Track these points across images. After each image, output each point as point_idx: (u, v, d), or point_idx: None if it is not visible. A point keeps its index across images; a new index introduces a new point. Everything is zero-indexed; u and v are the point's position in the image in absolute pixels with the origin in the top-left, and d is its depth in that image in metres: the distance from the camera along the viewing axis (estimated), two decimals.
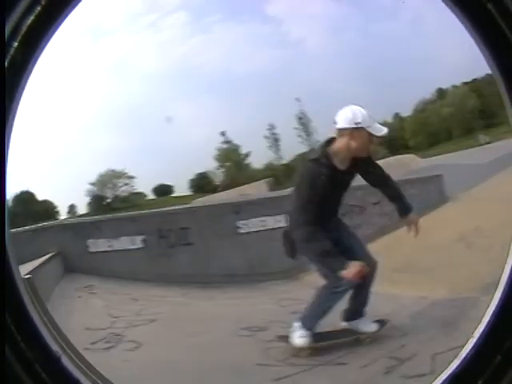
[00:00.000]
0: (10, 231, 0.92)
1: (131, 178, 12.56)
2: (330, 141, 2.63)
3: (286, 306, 3.66)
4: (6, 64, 1.00)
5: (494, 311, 0.91)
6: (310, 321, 2.71)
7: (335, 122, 2.59)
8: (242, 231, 5.09)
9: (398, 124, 12.51)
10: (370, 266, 2.64)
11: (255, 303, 3.94)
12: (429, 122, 12.38)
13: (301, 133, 12.28)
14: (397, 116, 12.72)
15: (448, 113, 12.32)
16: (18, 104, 1.09)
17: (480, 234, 4.21)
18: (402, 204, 2.80)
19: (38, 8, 0.94)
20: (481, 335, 0.92)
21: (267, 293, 4.31)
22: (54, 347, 0.92)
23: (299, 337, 2.68)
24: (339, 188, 2.68)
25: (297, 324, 2.71)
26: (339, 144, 2.59)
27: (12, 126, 1.10)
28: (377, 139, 2.62)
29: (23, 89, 1.03)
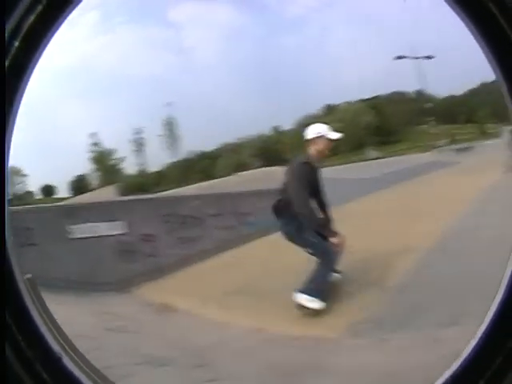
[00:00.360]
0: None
1: (24, 176, 12.45)
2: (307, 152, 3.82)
3: (105, 320, 3.29)
4: (6, 64, 1.00)
5: (495, 311, 0.90)
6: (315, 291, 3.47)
7: (306, 136, 3.84)
8: (74, 236, 4.77)
9: (276, 137, 12.24)
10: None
11: (74, 313, 3.35)
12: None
13: (167, 139, 12.28)
14: (275, 129, 12.48)
15: (336, 128, 12.09)
16: (18, 104, 1.09)
17: None
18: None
19: (40, 7, 0.94)
20: (482, 335, 0.92)
21: (91, 304, 3.91)
22: (55, 347, 0.92)
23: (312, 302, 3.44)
24: (314, 182, 3.78)
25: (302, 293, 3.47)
26: (311, 150, 3.80)
27: (13, 125, 1.10)
28: (334, 141, 3.81)
29: (24, 89, 1.03)
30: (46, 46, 0.99)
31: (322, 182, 3.86)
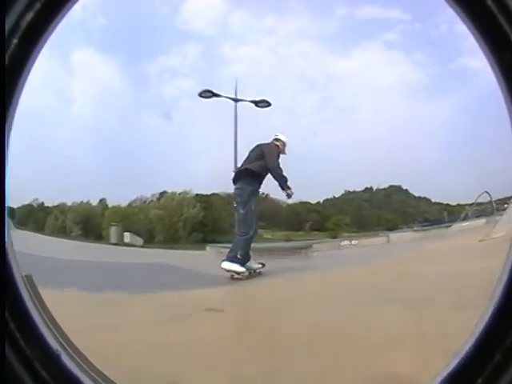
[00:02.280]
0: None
1: None
2: (277, 144, 5.45)
3: None
4: (5, 62, 1.00)
5: (493, 308, 0.90)
6: (245, 257, 4.87)
7: (277, 136, 5.49)
8: None
9: (101, 210, 11.97)
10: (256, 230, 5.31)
11: None
12: (135, 218, 11.72)
13: None
14: (102, 202, 12.17)
15: (155, 215, 11.84)
16: (17, 102, 1.09)
17: None
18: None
19: (38, 5, 0.94)
20: (480, 332, 0.92)
21: None
22: (54, 345, 0.92)
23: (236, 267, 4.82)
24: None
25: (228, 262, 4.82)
26: (279, 145, 5.48)
27: (11, 123, 1.10)
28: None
29: (23, 87, 1.03)
30: (44, 43, 0.99)
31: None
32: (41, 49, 1.05)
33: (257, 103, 9.59)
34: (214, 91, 8.94)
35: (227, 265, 4.84)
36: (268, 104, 9.54)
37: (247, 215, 4.99)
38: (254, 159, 5.23)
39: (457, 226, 10.92)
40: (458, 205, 11.90)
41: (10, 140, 1.12)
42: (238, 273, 4.85)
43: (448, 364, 0.98)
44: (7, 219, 0.90)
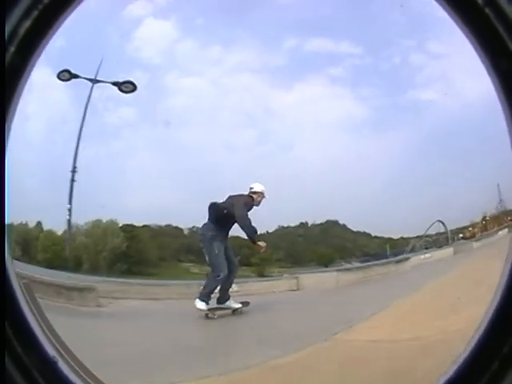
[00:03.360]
0: None
1: None
2: (251, 196, 5.51)
3: None
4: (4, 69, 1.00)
5: (491, 316, 0.90)
6: (205, 296, 5.04)
7: (252, 188, 5.57)
8: None
9: (37, 233, 11.70)
10: (236, 269, 5.47)
11: None
12: (61, 243, 11.51)
13: None
14: (38, 225, 11.82)
15: (80, 242, 11.59)
16: (15, 107, 1.10)
17: None
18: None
19: (35, 13, 0.94)
20: (478, 340, 0.92)
21: None
22: (51, 352, 0.92)
23: (202, 305, 4.99)
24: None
25: (198, 299, 5.02)
26: (255, 197, 5.48)
27: (10, 130, 1.10)
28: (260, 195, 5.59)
29: (21, 93, 1.04)
30: (42, 51, 1.00)
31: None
32: (39, 56, 1.05)
33: (120, 85, 8.65)
34: (73, 71, 8.44)
35: (196, 302, 5.08)
36: (134, 88, 8.53)
37: (212, 259, 5.22)
38: (221, 208, 5.37)
39: (414, 258, 8.99)
40: (402, 238, 11.42)
41: (8, 146, 1.13)
42: (201, 310, 5.04)
43: (446, 372, 0.98)
44: (7, 230, 0.91)
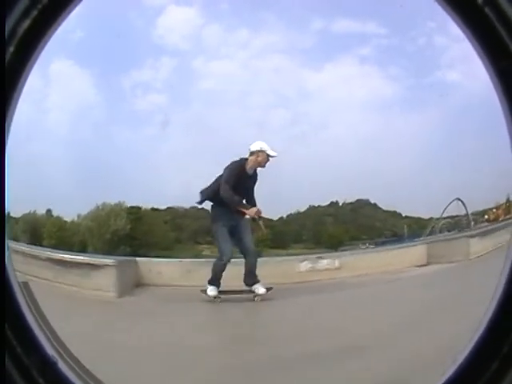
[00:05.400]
0: None
1: None
2: (247, 159, 4.87)
3: None
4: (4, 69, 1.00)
5: (491, 316, 0.90)
6: (212, 281, 4.77)
7: (249, 149, 4.86)
8: None
9: (44, 220, 11.59)
10: (255, 251, 4.97)
11: None
12: (73, 228, 11.41)
13: None
14: (48, 212, 11.76)
15: (86, 226, 11.42)
16: (14, 108, 1.09)
17: None
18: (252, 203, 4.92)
19: (35, 12, 0.94)
20: (478, 340, 0.92)
21: None
22: (50, 351, 0.92)
23: (210, 290, 4.76)
24: (245, 184, 4.83)
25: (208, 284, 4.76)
26: (250, 159, 4.85)
27: (9, 130, 1.10)
28: (270, 157, 4.85)
29: (20, 93, 1.04)
30: (41, 50, 0.99)
31: (253, 186, 4.97)
32: (38, 55, 1.05)
33: None
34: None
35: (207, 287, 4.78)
36: None
37: (216, 242, 4.92)
38: (215, 181, 4.88)
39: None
40: (432, 218, 11.14)
41: (8, 145, 1.13)
42: (210, 295, 4.74)
43: (445, 371, 0.98)
44: (6, 228, 0.91)
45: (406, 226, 11.21)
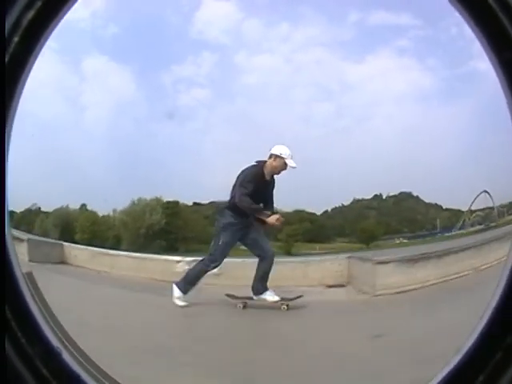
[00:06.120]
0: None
1: None
2: (266, 161, 4.50)
3: None
4: (6, 60, 1.00)
5: (494, 306, 0.90)
6: (186, 283, 4.37)
7: (270, 150, 4.47)
8: None
9: (78, 214, 11.59)
10: (271, 257, 4.47)
11: None
12: (104, 222, 11.39)
13: None
14: (82, 207, 11.81)
15: (120, 220, 11.41)
16: (18, 100, 1.09)
17: None
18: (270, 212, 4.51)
19: (39, 3, 0.94)
20: (481, 331, 0.92)
21: None
22: (55, 342, 0.92)
23: (177, 297, 4.34)
24: (263, 189, 4.51)
25: (175, 287, 4.34)
26: (268, 162, 4.50)
27: (12, 123, 1.10)
28: (288, 166, 4.43)
29: (23, 85, 1.04)
30: (45, 41, 0.99)
31: (271, 191, 4.63)
32: (42, 47, 1.05)
33: None
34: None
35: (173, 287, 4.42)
36: None
37: (214, 246, 4.51)
38: (232, 190, 4.53)
39: None
40: (470, 210, 11.08)
41: (10, 139, 1.13)
42: (177, 303, 4.34)
43: (449, 362, 0.98)
44: (7, 217, 0.90)
45: (438, 220, 11.16)
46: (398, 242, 10.72)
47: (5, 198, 0.97)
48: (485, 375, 0.92)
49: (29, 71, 1.08)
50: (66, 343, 0.94)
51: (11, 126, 1.11)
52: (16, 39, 0.93)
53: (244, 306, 4.51)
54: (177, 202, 11.76)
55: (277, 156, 4.47)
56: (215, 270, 4.64)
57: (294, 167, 4.42)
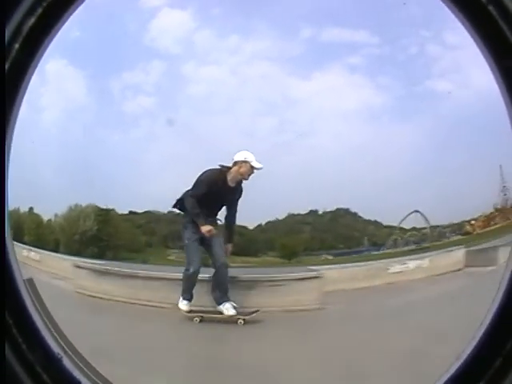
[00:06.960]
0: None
1: None
2: (230, 167, 4.37)
3: None
4: (6, 67, 1.00)
5: (494, 312, 0.90)
6: (184, 293, 4.38)
7: (233, 158, 4.35)
8: None
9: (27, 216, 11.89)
10: (223, 265, 4.35)
11: None
12: (49, 226, 11.73)
13: None
14: (30, 210, 12.02)
15: (59, 225, 11.79)
16: (19, 105, 1.09)
17: None
18: (230, 234, 4.58)
19: (39, 10, 0.94)
20: (481, 336, 0.92)
21: None
22: (56, 348, 0.92)
23: (182, 303, 4.36)
24: (223, 196, 4.40)
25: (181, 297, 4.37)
26: (233, 169, 4.34)
27: (13, 128, 1.10)
28: (255, 169, 4.34)
29: (24, 92, 1.04)
30: (45, 48, 1.00)
31: (235, 199, 4.51)
32: (43, 53, 1.05)
33: None
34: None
35: (179, 301, 4.38)
36: None
37: (185, 250, 4.48)
38: (191, 188, 4.50)
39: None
40: (414, 228, 11.19)
41: (11, 143, 1.13)
42: (182, 310, 4.32)
43: (449, 368, 0.98)
44: (8, 224, 0.91)
45: (366, 238, 11.25)
46: (322, 258, 10.75)
47: (5, 206, 0.98)
48: (485, 381, 0.92)
49: (29, 77, 1.08)
50: (67, 349, 0.94)
51: (12, 131, 1.12)
52: (16, 46, 0.93)
53: (200, 320, 4.35)
54: (109, 210, 12.02)
55: (242, 162, 4.35)
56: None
57: (260, 168, 4.42)
